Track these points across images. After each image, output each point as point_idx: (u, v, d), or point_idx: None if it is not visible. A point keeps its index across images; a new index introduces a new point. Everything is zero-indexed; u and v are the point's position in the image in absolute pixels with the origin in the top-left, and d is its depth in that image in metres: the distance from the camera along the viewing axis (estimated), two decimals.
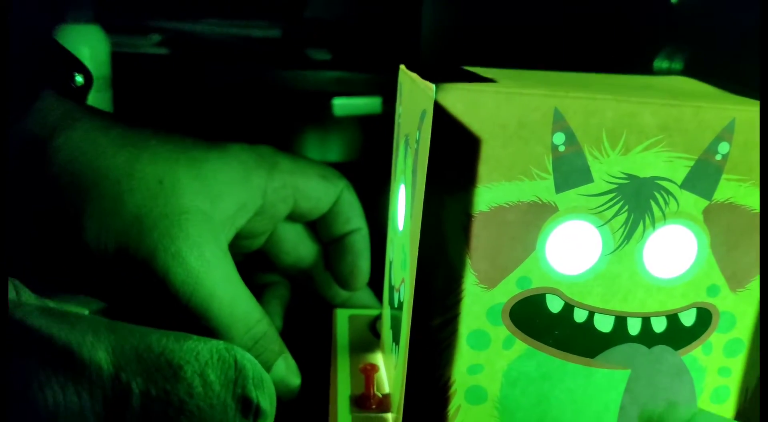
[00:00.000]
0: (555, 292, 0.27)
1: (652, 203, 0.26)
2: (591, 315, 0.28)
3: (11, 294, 0.24)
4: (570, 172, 0.26)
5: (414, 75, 0.28)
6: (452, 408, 0.28)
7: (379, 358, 0.36)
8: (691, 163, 0.26)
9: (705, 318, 0.28)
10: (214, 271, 0.31)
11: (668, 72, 0.54)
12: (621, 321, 0.28)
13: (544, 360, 0.28)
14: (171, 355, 0.24)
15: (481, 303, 0.27)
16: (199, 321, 0.31)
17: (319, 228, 0.39)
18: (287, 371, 0.33)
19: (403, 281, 0.30)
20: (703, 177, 0.26)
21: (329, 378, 0.34)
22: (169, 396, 0.23)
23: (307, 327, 0.39)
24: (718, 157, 0.26)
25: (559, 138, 0.25)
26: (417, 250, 0.26)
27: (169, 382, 0.23)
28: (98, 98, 0.59)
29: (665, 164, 0.26)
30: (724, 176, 0.27)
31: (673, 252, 0.27)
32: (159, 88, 0.74)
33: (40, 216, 0.31)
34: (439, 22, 0.74)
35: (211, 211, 0.32)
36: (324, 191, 0.37)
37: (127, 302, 0.32)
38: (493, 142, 0.25)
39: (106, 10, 0.63)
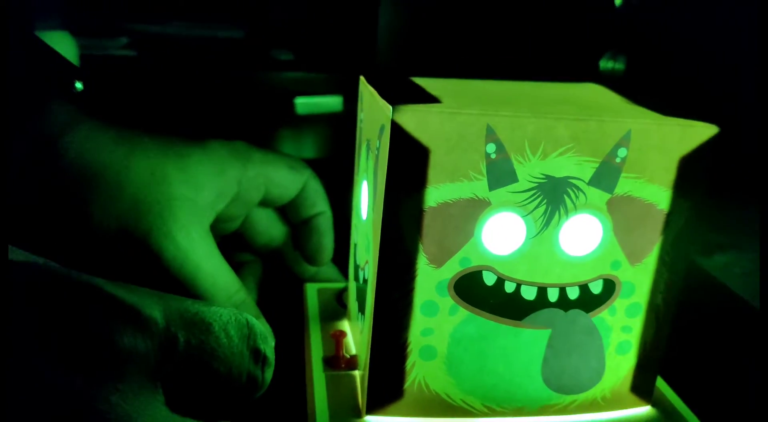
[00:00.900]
0: (490, 269, 0.28)
1: (566, 197, 0.28)
2: (518, 286, 0.29)
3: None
4: (500, 174, 0.27)
5: (373, 90, 0.29)
6: (409, 364, 0.29)
7: (345, 325, 0.37)
8: (596, 165, 0.28)
9: (610, 287, 0.30)
10: (199, 248, 0.33)
11: (612, 72, 0.55)
12: (542, 290, 0.29)
13: (481, 323, 0.29)
14: (203, 315, 0.26)
15: (431, 279, 0.28)
16: (187, 291, 0.32)
17: (288, 211, 0.41)
18: None
19: (367, 262, 0.31)
20: (606, 175, 0.28)
21: (303, 343, 0.35)
22: (203, 344, 0.25)
23: (279, 300, 0.40)
24: (618, 160, 0.28)
25: (491, 147, 0.26)
26: (379, 238, 0.27)
27: (204, 334, 0.25)
28: None
29: (575, 166, 0.27)
30: (623, 175, 0.28)
31: (583, 236, 0.29)
32: (128, 90, 0.71)
33: (50, 203, 0.32)
34: (394, 24, 0.72)
35: (195, 197, 0.34)
36: (291, 179, 0.38)
37: (126, 278, 0.33)
38: (438, 151, 0.26)
39: (74, 14, 0.59)
